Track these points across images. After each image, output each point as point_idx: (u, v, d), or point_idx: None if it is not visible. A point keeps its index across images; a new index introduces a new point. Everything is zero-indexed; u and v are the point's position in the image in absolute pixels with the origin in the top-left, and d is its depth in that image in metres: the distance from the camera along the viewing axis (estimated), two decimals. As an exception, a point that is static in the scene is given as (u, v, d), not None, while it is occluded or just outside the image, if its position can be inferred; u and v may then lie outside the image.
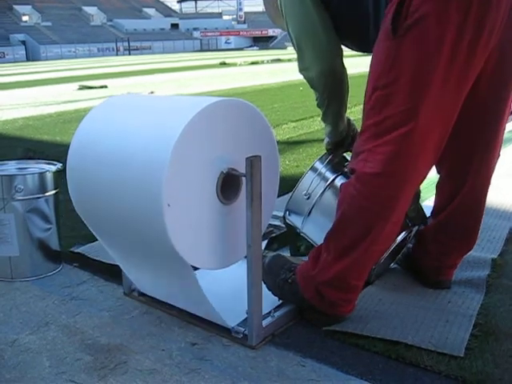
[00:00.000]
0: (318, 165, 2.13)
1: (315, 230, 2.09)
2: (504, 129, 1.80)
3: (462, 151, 1.80)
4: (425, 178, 1.70)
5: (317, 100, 2.03)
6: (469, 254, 2.18)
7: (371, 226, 1.63)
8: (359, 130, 1.72)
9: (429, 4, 1.46)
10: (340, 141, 2.12)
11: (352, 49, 2.01)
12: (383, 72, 1.57)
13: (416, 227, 2.06)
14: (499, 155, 1.85)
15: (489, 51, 1.56)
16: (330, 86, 1.95)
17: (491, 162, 1.83)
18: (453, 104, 1.59)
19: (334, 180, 2.06)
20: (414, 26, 1.48)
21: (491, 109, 1.73)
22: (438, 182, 1.96)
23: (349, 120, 2.13)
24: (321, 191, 2.06)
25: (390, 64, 1.54)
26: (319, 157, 2.18)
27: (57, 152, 4.34)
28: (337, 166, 2.11)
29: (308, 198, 2.09)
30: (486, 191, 1.88)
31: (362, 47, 1.95)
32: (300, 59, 1.96)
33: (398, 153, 1.56)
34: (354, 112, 4.57)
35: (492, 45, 1.55)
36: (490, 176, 1.85)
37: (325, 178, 2.08)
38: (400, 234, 1.92)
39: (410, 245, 2.11)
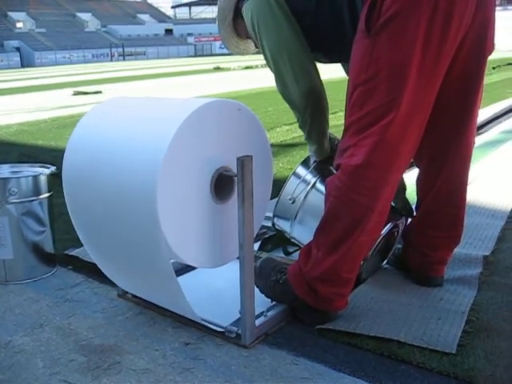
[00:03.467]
0: (300, 169, 2.17)
1: (304, 233, 2.11)
2: (477, 115, 1.86)
3: (440, 141, 1.85)
4: (407, 166, 1.73)
5: (298, 120, 2.04)
6: (461, 252, 2.20)
7: (358, 216, 1.65)
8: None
9: (399, 2, 1.54)
10: (326, 158, 2.14)
11: (321, 61, 2.03)
12: (362, 69, 1.62)
13: (403, 221, 2.09)
14: (474, 142, 1.90)
15: (459, 40, 1.63)
16: (311, 105, 1.97)
17: (468, 149, 1.88)
18: (429, 92, 1.64)
19: (315, 182, 2.10)
20: (388, 24, 1.55)
21: (465, 96, 1.79)
22: (418, 177, 1.99)
23: (329, 134, 2.15)
24: (304, 194, 2.10)
25: (368, 61, 1.60)
26: (301, 161, 2.22)
27: (51, 157, 4.35)
28: (318, 169, 2.14)
29: (293, 203, 2.13)
30: (465, 178, 1.92)
31: (336, 56, 1.98)
32: (278, 80, 1.97)
33: (379, 143, 1.60)
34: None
35: (461, 34, 1.62)
36: (468, 163, 1.90)
37: (307, 181, 2.12)
38: (385, 225, 1.94)
39: (399, 245, 2.13)
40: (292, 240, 2.25)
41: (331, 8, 1.83)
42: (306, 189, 2.11)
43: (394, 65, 1.57)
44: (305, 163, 2.19)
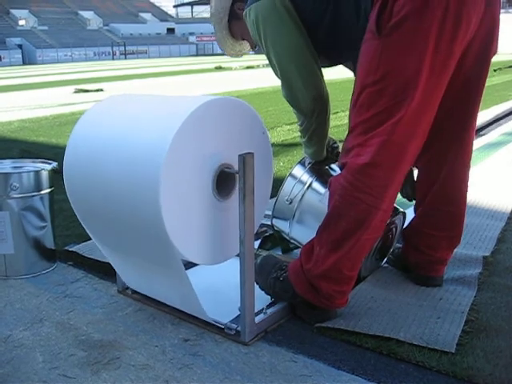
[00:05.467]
0: (297, 170, 2.20)
1: (302, 233, 2.13)
2: (477, 114, 1.87)
3: (441, 141, 1.86)
4: (411, 165, 1.75)
5: (302, 124, 2.04)
6: (461, 252, 2.21)
7: (363, 215, 1.65)
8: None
9: (411, 4, 1.54)
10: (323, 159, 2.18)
11: (322, 65, 2.03)
12: (371, 70, 1.62)
13: (400, 218, 2.10)
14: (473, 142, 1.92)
15: (468, 40, 1.64)
16: (319, 110, 1.99)
17: (468, 149, 1.89)
18: (437, 91, 1.65)
19: (312, 182, 2.13)
20: (400, 25, 1.55)
21: (468, 96, 1.80)
22: (418, 177, 2.01)
23: None
24: (301, 195, 2.12)
25: (377, 62, 1.60)
26: (297, 161, 2.24)
27: (52, 154, 4.35)
28: (314, 169, 2.17)
29: (290, 203, 2.15)
30: (466, 177, 1.93)
31: (337, 59, 1.98)
32: (286, 87, 1.97)
33: (387, 142, 1.60)
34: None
35: (470, 34, 1.63)
36: (468, 162, 1.91)
37: (303, 182, 2.15)
38: None
39: (399, 245, 2.14)
40: (291, 240, 2.26)
41: (338, 10, 1.83)
42: (303, 189, 2.13)
43: (405, 66, 1.56)
44: (301, 164, 2.22)
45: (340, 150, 2.20)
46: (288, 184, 2.19)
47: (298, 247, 2.21)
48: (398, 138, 1.60)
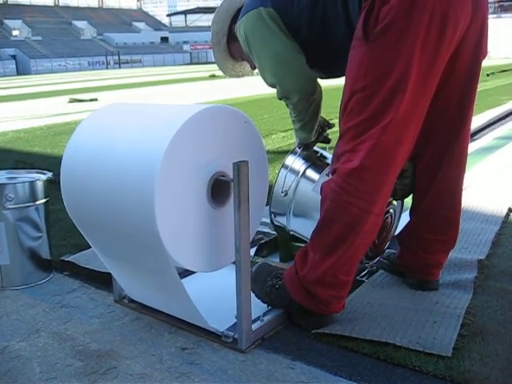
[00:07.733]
0: (288, 161, 2.22)
1: (301, 224, 2.15)
2: (471, 118, 1.88)
3: (437, 144, 1.87)
4: (401, 168, 1.76)
5: (297, 117, 2.07)
6: (456, 256, 2.22)
7: (355, 219, 1.66)
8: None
9: (397, 9, 1.55)
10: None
11: (321, 77, 2.06)
12: (359, 76, 1.63)
13: (398, 204, 2.11)
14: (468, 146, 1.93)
15: (455, 44, 1.66)
16: (314, 105, 2.02)
17: (463, 152, 1.91)
18: (425, 94, 1.66)
19: (304, 171, 2.15)
20: (386, 31, 1.57)
21: (461, 100, 1.82)
22: None
23: None
24: (295, 185, 2.14)
25: (365, 68, 1.61)
26: (288, 153, 2.26)
27: (47, 164, 4.35)
28: (305, 158, 2.19)
29: (285, 195, 2.17)
30: (461, 181, 1.94)
31: (337, 71, 2.01)
32: (280, 89, 1.99)
33: (376, 146, 1.61)
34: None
35: (458, 37, 1.65)
36: (463, 166, 1.93)
37: (295, 172, 2.17)
38: None
39: (394, 251, 2.14)
40: (291, 233, 2.27)
41: (324, 22, 1.84)
42: (296, 179, 2.15)
43: (393, 71, 1.58)
44: (291, 154, 2.24)
45: (328, 132, 2.29)
46: (281, 176, 2.20)
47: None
48: (387, 141, 1.62)
